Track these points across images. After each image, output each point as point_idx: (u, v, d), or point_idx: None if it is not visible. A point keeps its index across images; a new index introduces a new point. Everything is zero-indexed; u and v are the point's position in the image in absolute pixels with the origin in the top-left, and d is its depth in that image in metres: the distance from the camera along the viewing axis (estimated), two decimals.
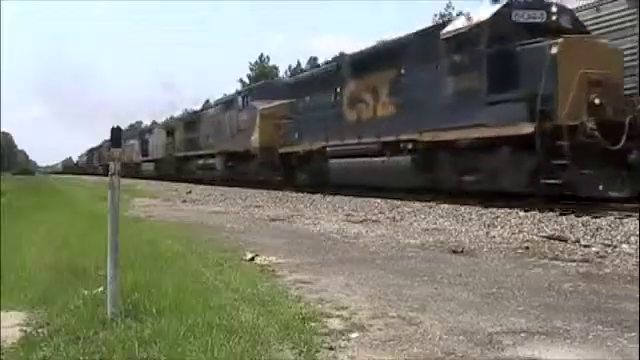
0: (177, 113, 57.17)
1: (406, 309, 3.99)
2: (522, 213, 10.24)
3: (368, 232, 8.59)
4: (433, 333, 3.42)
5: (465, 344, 3.22)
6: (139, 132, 56.34)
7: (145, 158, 49.03)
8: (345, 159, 17.02)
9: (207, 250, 6.61)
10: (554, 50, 10.75)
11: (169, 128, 43.16)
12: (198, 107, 50.13)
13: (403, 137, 14.30)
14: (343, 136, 17.13)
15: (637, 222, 8.23)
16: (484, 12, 12.58)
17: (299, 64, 67.24)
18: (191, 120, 38.07)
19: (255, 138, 24.23)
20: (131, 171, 51.25)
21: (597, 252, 6.51)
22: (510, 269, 5.54)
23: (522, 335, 3.38)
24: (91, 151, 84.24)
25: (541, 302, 4.16)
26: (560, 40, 10.81)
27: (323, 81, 19.17)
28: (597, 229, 8.19)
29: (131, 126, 74.17)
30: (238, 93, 29.98)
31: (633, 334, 3.35)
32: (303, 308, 3.94)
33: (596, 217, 9.11)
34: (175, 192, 23.17)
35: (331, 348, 3.15)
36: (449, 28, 13.36)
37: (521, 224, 9.08)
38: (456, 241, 7.47)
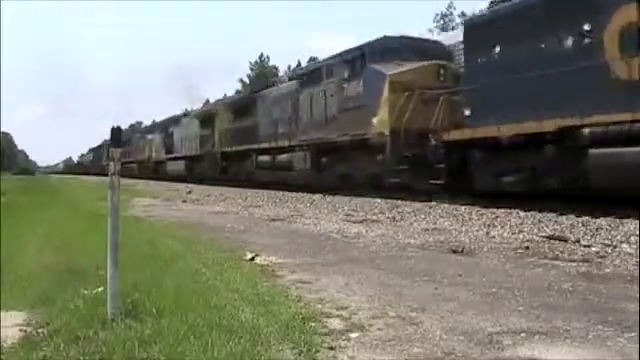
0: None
1: (406, 309, 3.99)
2: (522, 213, 10.24)
3: (368, 232, 8.59)
4: (433, 333, 3.43)
5: (465, 344, 3.22)
6: (160, 124, 46.14)
7: (171, 155, 39.63)
8: None
9: (207, 250, 6.61)
10: None
11: (206, 116, 33.21)
12: (197, 107, 45.39)
13: None
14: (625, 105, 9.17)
15: (637, 222, 8.23)
16: None
17: (299, 64, 67.30)
18: (243, 104, 28.29)
19: (381, 119, 15.20)
20: (148, 171, 44.63)
21: (597, 252, 6.52)
22: (510, 269, 5.54)
23: (522, 335, 3.38)
24: (97, 149, 74.09)
25: (541, 302, 4.16)
26: None
27: (538, 19, 11.00)
28: (597, 229, 8.20)
29: (131, 126, 73.75)
30: (341, 54, 18.21)
31: (633, 334, 3.35)
32: (303, 308, 3.94)
33: (596, 217, 9.11)
34: (175, 192, 23.17)
35: (331, 348, 3.15)
36: None
37: (521, 224, 9.09)
38: (456, 241, 7.47)
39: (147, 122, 71.42)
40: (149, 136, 47.46)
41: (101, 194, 14.32)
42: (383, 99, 15.31)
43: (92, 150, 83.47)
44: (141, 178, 42.73)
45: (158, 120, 49.24)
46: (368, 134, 15.80)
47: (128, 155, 51.81)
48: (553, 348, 3.17)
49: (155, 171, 43.73)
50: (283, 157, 21.80)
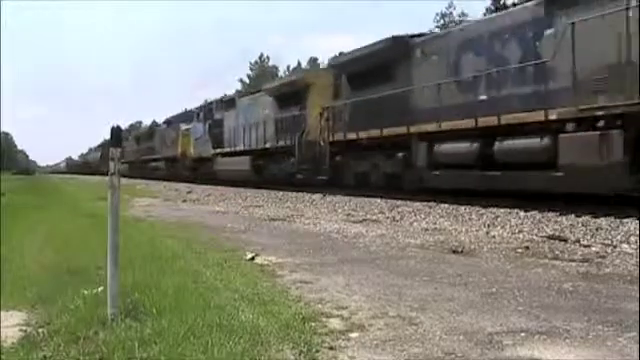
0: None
1: (406, 309, 3.99)
2: (522, 213, 10.24)
3: (368, 232, 8.59)
4: (433, 333, 3.42)
5: (465, 344, 3.22)
6: (202, 109, 33.67)
7: (222, 150, 28.38)
8: None
9: (207, 250, 6.61)
10: None
11: (289, 91, 21.68)
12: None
13: None
14: None
15: (637, 222, 8.23)
16: None
17: (299, 64, 67.38)
18: (374, 62, 16.08)
19: None
20: (183, 171, 34.82)
21: (597, 252, 6.52)
22: (510, 269, 5.54)
23: (522, 335, 3.38)
24: (105, 145, 58.92)
25: (541, 302, 4.16)
26: None
27: None
28: (597, 229, 8.20)
29: (131, 126, 73.59)
30: None
31: (633, 334, 3.36)
32: (303, 308, 3.94)
33: (596, 217, 9.11)
34: (175, 192, 23.16)
35: (331, 348, 3.15)
36: None
37: (521, 224, 9.09)
38: (456, 241, 7.47)
39: (147, 121, 69.42)
40: (183, 126, 36.27)
41: (101, 194, 14.32)
42: None
43: (99, 147, 72.99)
44: (171, 180, 33.89)
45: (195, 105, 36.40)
46: None
47: (151, 151, 43.64)
48: (553, 348, 3.17)
49: (194, 171, 33.19)
50: (519, 145, 11.43)
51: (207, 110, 32.54)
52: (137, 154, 48.46)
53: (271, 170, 23.08)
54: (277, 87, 24.09)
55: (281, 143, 21.67)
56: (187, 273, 5.07)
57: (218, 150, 28.91)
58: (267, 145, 23.05)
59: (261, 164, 23.96)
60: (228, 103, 29.67)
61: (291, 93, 21.50)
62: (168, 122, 42.82)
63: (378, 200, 14.25)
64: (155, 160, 42.51)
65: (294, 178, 20.38)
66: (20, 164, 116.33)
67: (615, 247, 6.79)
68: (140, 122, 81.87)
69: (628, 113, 9.36)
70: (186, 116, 38.01)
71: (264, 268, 5.60)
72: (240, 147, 25.78)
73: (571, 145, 10.30)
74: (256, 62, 71.81)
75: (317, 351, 3.07)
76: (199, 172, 32.10)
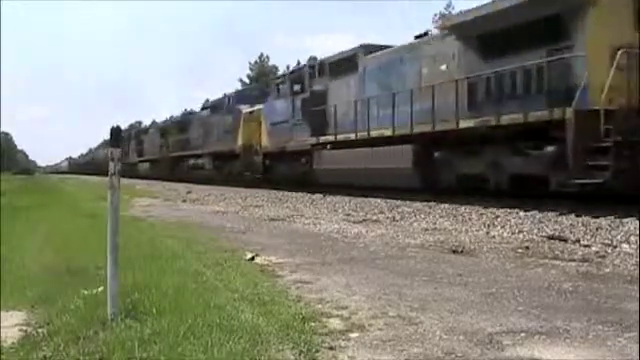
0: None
1: (406, 309, 3.99)
2: (522, 213, 10.24)
3: (368, 232, 8.59)
4: (433, 333, 3.42)
5: (465, 344, 3.22)
6: (289, 78, 21.37)
7: (333, 137, 17.18)
8: None
9: (207, 250, 6.61)
10: None
11: (524, 20, 10.70)
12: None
13: None
14: None
15: (637, 222, 8.23)
16: None
17: (299, 64, 67.30)
18: None
19: None
20: (237, 169, 25.65)
21: (597, 252, 6.52)
22: (510, 269, 5.54)
23: (522, 335, 3.38)
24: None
25: (541, 302, 4.16)
26: None
27: None
28: (597, 229, 8.19)
29: (131, 126, 73.36)
30: None
31: (633, 334, 3.35)
32: (303, 308, 3.94)
33: (596, 217, 9.11)
34: (175, 192, 23.14)
35: (331, 348, 3.15)
36: None
37: (521, 224, 9.09)
38: (456, 241, 7.47)
39: (147, 121, 68.49)
40: (244, 108, 25.71)
41: (101, 193, 14.31)
42: None
43: (104, 145, 60.03)
44: (223, 184, 25.11)
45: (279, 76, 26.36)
46: None
47: (185, 145, 34.66)
48: (553, 348, 3.17)
49: (266, 170, 22.42)
50: None
51: (296, 79, 20.57)
52: (163, 150, 39.56)
53: (466, 169, 12.73)
54: (486, 18, 11.84)
55: (510, 117, 11.12)
56: (187, 273, 5.07)
57: (323, 139, 17.86)
58: (466, 125, 12.25)
59: (438, 159, 13.55)
60: (340, 65, 17.83)
61: (527, 25, 10.98)
62: (213, 107, 32.28)
63: (378, 200, 14.24)
64: (195, 157, 32.28)
65: (555, 186, 10.60)
66: (20, 164, 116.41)
67: (615, 247, 6.79)
68: (140, 122, 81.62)
69: None
70: (246, 96, 27.64)
71: (264, 268, 5.60)
72: (380, 131, 15.09)
73: None
74: (256, 62, 71.78)
75: (317, 351, 3.08)
76: (276, 172, 21.85)
